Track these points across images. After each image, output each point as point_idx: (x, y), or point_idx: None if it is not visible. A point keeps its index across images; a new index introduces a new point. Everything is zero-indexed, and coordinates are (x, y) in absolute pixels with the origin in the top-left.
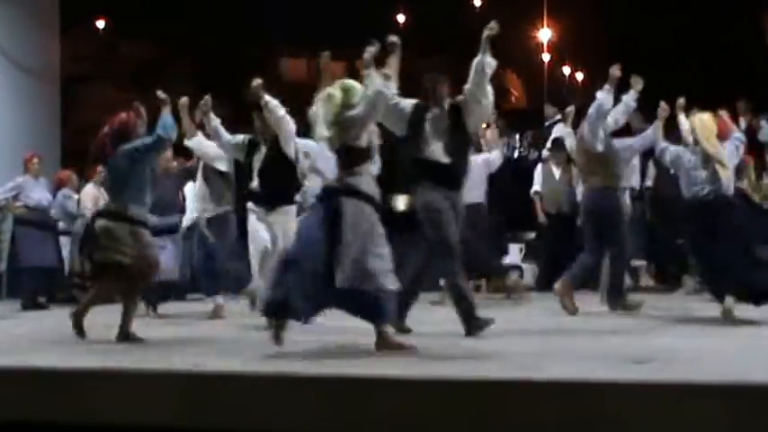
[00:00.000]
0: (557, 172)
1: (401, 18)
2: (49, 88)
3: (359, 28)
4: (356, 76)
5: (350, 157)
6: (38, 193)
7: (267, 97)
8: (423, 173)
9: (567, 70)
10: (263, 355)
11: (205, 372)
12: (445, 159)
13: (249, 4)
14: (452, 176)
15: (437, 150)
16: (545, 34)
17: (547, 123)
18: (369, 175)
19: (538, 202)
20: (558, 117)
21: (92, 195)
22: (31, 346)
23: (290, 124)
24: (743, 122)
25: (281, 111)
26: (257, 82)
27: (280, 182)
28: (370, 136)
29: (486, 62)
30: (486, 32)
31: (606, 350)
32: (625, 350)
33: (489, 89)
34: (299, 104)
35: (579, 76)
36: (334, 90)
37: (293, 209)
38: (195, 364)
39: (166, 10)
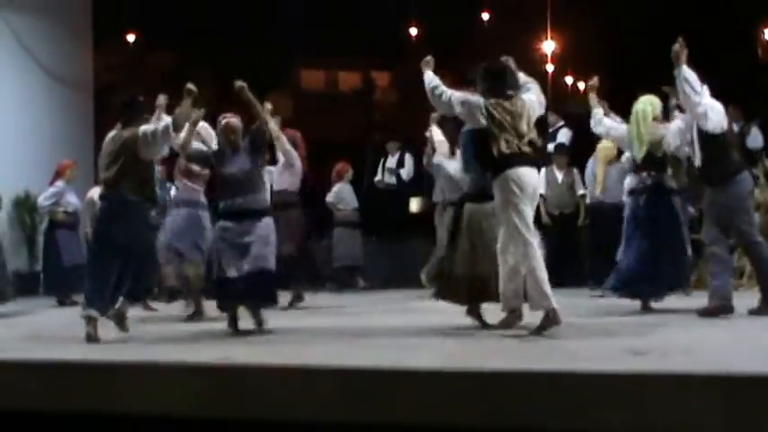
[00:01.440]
0: (559, 175)
1: (414, 31)
2: (83, 97)
3: (373, 40)
4: (372, 85)
5: (656, 163)
6: (73, 198)
7: (430, 73)
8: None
9: (569, 80)
10: (288, 347)
11: (232, 363)
12: (698, 161)
13: (269, 17)
14: (704, 174)
15: (697, 152)
16: (549, 46)
17: (550, 130)
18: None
19: (542, 204)
20: (561, 123)
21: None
22: (62, 340)
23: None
24: (735, 128)
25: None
26: (429, 58)
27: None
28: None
29: (679, 73)
30: (674, 48)
31: (605, 342)
32: (623, 342)
33: (688, 91)
34: (315, 113)
35: (581, 85)
36: (646, 106)
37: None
38: (224, 356)
39: (191, 23)
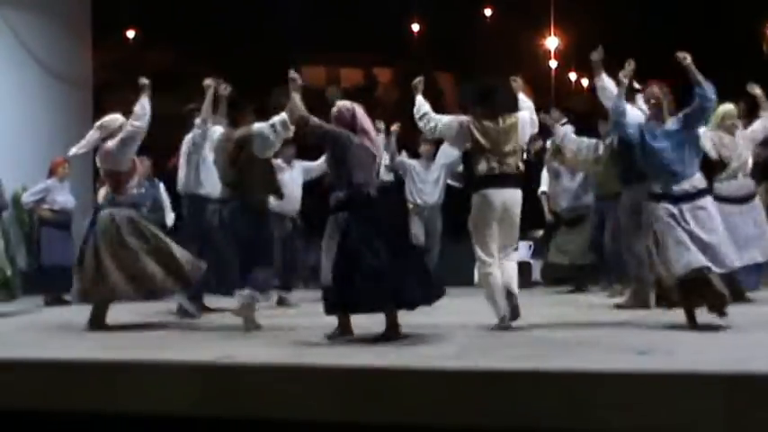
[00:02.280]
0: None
1: (416, 27)
2: (82, 94)
3: (375, 37)
4: (374, 82)
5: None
6: (62, 196)
7: (420, 98)
8: None
9: (573, 76)
10: (289, 346)
11: (233, 363)
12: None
13: (269, 13)
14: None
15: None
16: (552, 42)
17: None
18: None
19: (545, 202)
20: (564, 120)
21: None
22: (62, 339)
23: None
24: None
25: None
26: (418, 81)
27: None
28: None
29: (599, 81)
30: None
31: (609, 341)
32: (628, 341)
33: (608, 97)
34: (316, 109)
35: (584, 81)
36: (718, 112)
37: None
38: (225, 355)
39: (191, 19)
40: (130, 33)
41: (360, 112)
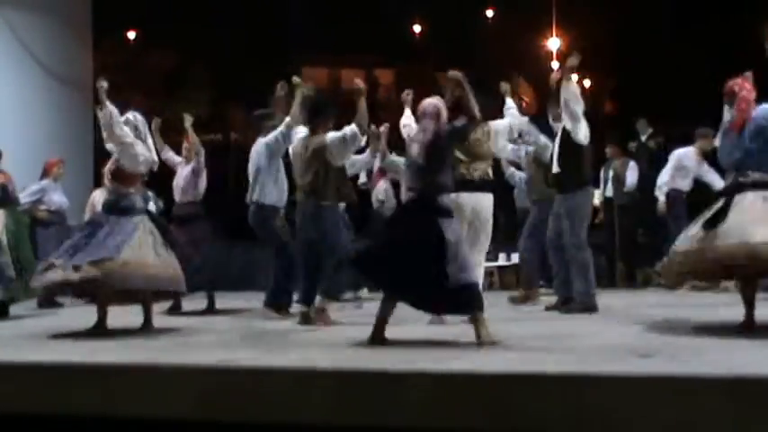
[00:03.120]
0: None
1: (417, 28)
2: (82, 95)
3: (376, 38)
4: (375, 83)
5: None
6: (58, 197)
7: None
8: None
9: (574, 77)
10: (289, 350)
11: (233, 366)
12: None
13: (270, 14)
14: (559, 181)
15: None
16: (554, 43)
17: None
18: None
19: None
20: None
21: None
22: (60, 342)
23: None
24: None
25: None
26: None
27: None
28: None
29: (568, 85)
30: (572, 63)
31: (611, 344)
32: (630, 344)
33: (576, 102)
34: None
35: (587, 83)
36: None
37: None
38: (224, 359)
39: (191, 20)
40: (131, 35)
41: (420, 109)
